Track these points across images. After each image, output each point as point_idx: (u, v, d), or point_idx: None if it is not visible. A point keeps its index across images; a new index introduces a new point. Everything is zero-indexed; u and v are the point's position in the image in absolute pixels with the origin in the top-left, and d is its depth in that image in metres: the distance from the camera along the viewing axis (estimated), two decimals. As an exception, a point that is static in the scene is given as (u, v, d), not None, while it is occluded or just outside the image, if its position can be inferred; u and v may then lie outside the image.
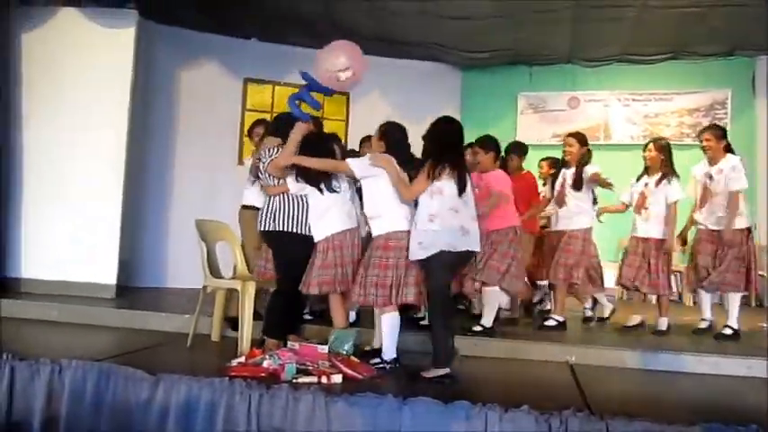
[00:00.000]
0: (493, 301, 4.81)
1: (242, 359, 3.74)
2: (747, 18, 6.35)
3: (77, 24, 6.03)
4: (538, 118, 8.40)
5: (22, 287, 5.79)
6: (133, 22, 6.08)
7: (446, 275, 3.79)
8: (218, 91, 7.39)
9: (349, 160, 4.02)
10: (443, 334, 3.76)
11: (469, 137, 5.33)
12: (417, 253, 3.74)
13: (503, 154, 5.33)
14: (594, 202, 5.40)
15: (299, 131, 4.06)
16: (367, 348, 4.15)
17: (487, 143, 5.00)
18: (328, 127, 6.42)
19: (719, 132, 5.09)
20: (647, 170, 5.26)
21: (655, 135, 8.03)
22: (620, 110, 8.23)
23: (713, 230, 5.02)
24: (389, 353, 3.88)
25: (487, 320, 4.75)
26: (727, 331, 4.93)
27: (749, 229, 5.01)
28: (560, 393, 3.51)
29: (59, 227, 5.88)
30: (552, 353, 4.40)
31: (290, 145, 4.06)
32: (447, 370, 3.74)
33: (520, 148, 5.82)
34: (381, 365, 3.84)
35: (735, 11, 6.26)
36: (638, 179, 5.33)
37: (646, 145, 5.35)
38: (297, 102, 4.08)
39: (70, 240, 5.87)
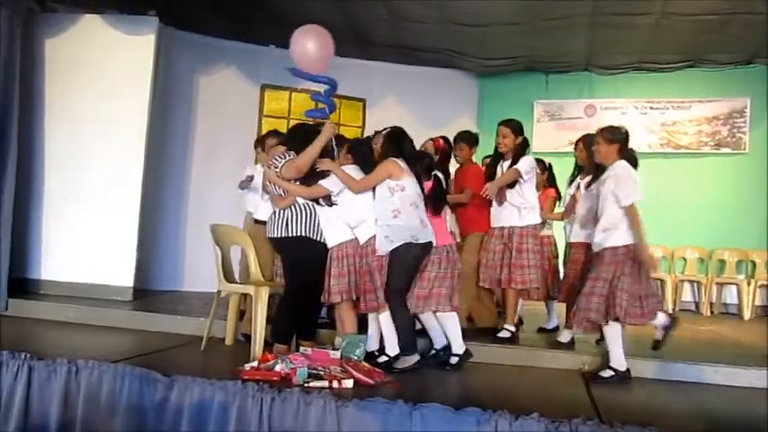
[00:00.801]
0: (451, 326, 4.14)
1: (255, 363, 3.76)
2: (766, 26, 6.30)
3: (99, 31, 6.11)
4: (554, 126, 8.33)
5: (41, 288, 5.88)
6: (153, 29, 6.14)
7: (409, 266, 3.99)
8: (235, 97, 7.47)
9: (321, 182, 4.11)
10: (407, 323, 4.00)
11: (486, 143, 5.39)
12: (385, 246, 3.98)
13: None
14: (558, 198, 5.31)
15: (325, 135, 4.15)
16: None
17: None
18: (345, 133, 6.44)
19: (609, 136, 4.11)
20: (579, 170, 4.74)
21: (672, 144, 8.06)
22: (637, 118, 8.12)
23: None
24: (392, 349, 4.03)
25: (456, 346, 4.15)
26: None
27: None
28: (571, 401, 3.50)
29: (78, 229, 5.96)
30: (565, 361, 4.38)
31: (315, 146, 4.11)
32: (417, 357, 3.96)
33: (469, 138, 5.16)
34: (387, 361, 4.00)
35: (753, 19, 6.22)
36: (570, 181, 4.80)
37: (576, 144, 4.83)
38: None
39: (89, 243, 5.94)
